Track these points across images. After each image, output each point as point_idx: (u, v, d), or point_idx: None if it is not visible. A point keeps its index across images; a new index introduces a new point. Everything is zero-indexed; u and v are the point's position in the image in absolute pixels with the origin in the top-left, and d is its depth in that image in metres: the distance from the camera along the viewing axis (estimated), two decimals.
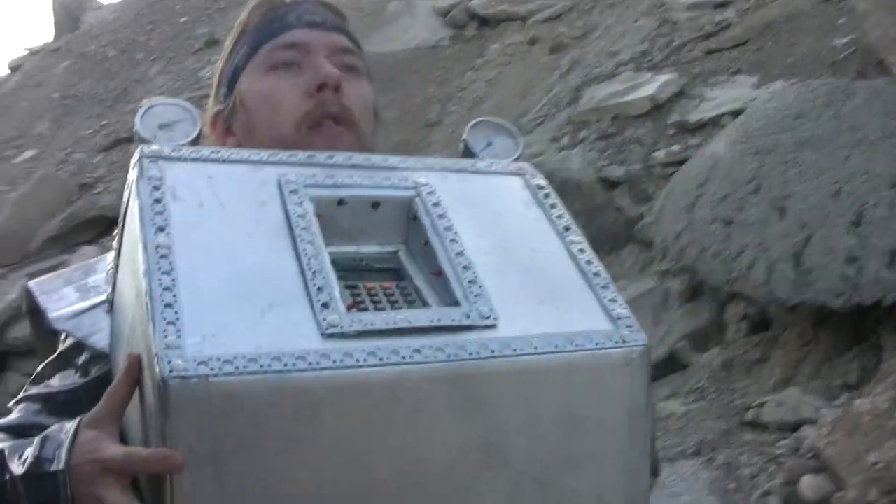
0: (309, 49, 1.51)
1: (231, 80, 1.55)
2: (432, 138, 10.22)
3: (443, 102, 10.91)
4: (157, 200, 1.16)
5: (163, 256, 1.10)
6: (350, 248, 1.25)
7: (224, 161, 1.24)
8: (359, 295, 1.18)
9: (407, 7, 12.91)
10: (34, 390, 1.32)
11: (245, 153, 1.27)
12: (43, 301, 1.33)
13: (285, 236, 1.17)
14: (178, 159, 1.22)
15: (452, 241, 1.22)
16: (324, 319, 1.07)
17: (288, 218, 1.18)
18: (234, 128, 1.52)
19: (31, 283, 1.36)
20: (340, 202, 1.25)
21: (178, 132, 1.27)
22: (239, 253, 1.13)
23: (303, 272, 1.13)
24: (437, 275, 1.21)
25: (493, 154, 1.41)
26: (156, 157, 1.21)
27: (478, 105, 10.23)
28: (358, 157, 1.31)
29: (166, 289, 1.07)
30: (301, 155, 1.29)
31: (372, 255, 1.26)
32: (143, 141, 1.25)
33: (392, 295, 1.19)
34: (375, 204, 1.27)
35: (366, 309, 1.14)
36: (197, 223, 1.15)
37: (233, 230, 1.16)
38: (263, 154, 1.27)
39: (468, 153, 1.41)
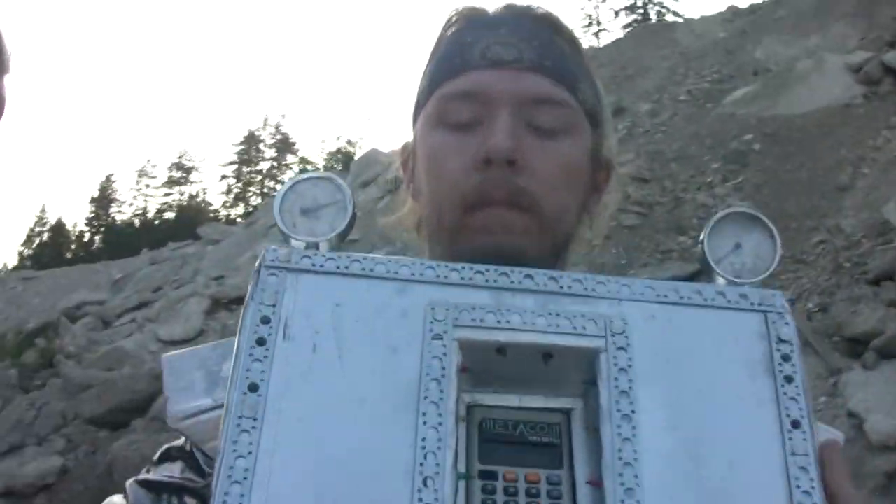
0: (489, 100, 1.13)
1: (415, 115, 1.23)
2: (843, 203, 9.43)
3: (855, 165, 9.98)
4: (261, 342, 0.93)
5: (244, 431, 0.89)
6: (508, 399, 0.97)
7: (363, 276, 0.97)
8: (492, 492, 0.91)
9: (816, 65, 11.89)
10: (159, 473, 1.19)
11: (392, 265, 0.98)
12: (169, 384, 1.15)
13: (411, 406, 0.90)
14: (307, 271, 0.97)
15: (627, 439, 0.90)
16: None
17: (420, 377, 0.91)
18: (414, 181, 1.23)
19: (166, 358, 1.18)
20: (500, 350, 0.95)
21: (322, 220, 1.01)
22: (341, 429, 0.89)
23: (414, 467, 0.88)
24: (595, 485, 0.90)
25: (739, 264, 1.02)
26: (278, 268, 0.97)
27: (894, 168, 9.09)
28: (540, 277, 0.98)
29: (235, 481, 0.87)
30: (463, 270, 0.98)
31: (534, 414, 0.97)
32: (282, 233, 1.01)
33: (536, 496, 0.91)
34: (547, 355, 0.96)
35: None
36: (303, 380, 0.91)
37: (345, 392, 0.91)
38: (415, 267, 0.97)
39: (705, 259, 1.03)
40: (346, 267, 0.97)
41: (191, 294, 18.57)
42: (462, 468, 0.91)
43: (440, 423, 0.89)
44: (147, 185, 68.42)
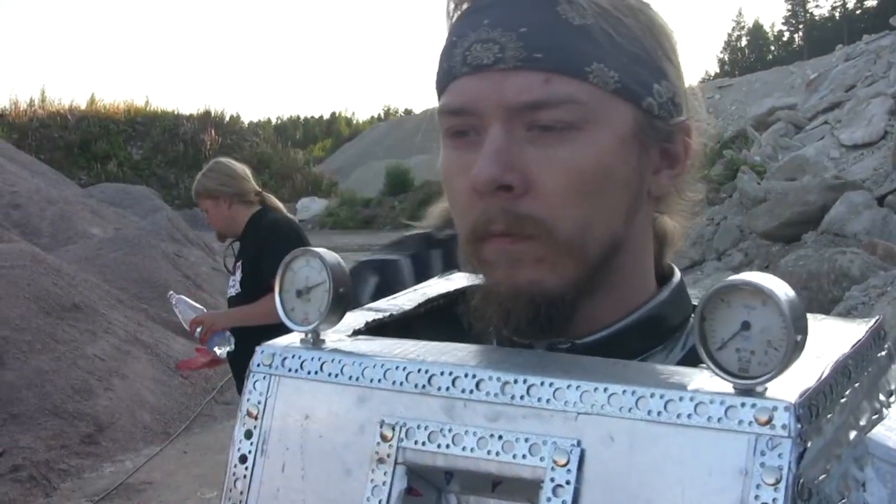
0: (479, 114, 0.94)
1: None
2: None
3: None
4: (243, 459, 0.93)
5: None
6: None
7: (330, 382, 0.91)
8: None
9: None
10: None
11: (357, 366, 0.90)
12: None
13: None
14: (287, 375, 0.93)
15: None
16: None
17: None
18: None
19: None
20: (447, 475, 0.84)
21: (314, 303, 0.95)
22: None
23: None
24: None
25: (746, 353, 0.75)
26: (266, 369, 0.95)
27: None
28: (493, 384, 0.82)
29: None
30: (420, 374, 0.86)
31: None
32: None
33: None
34: (496, 483, 0.82)
35: None
36: (271, 501, 0.91)
37: None
38: (376, 369, 0.88)
39: (701, 343, 0.77)
40: (317, 371, 0.92)
41: (875, 94, 17.62)
42: None
43: None
44: None
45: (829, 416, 0.77)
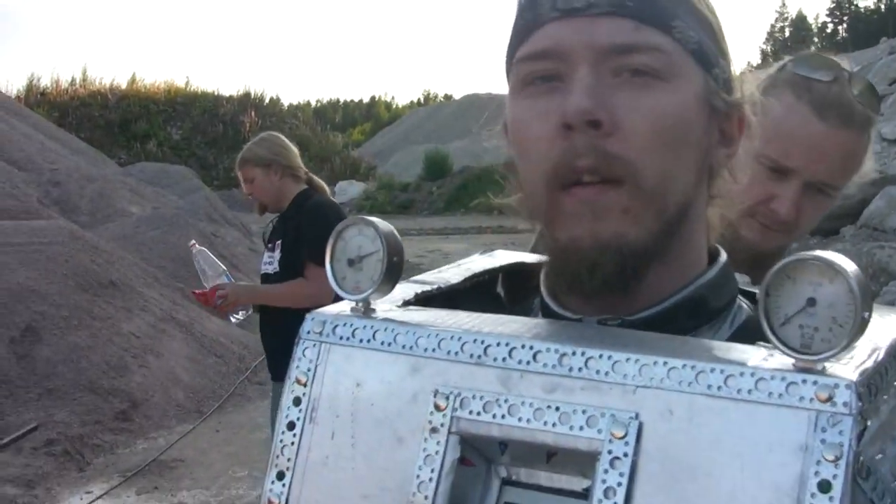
0: (566, 57, 0.94)
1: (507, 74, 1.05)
2: None
3: None
4: (291, 426, 0.93)
5: None
6: (538, 476, 0.85)
7: (383, 350, 0.90)
8: None
9: None
10: None
11: (411, 335, 0.89)
12: None
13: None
14: (339, 343, 0.93)
15: None
16: None
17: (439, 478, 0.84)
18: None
19: None
20: (501, 446, 0.83)
21: (366, 272, 0.95)
22: None
23: None
24: None
25: (810, 330, 0.74)
26: (316, 337, 0.94)
27: None
28: (550, 356, 0.81)
29: None
30: (475, 344, 0.85)
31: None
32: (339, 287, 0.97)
33: None
34: (551, 454, 0.81)
35: None
36: (321, 469, 0.91)
37: (353, 486, 0.88)
38: (432, 339, 0.88)
39: (765, 319, 0.75)
40: (370, 340, 0.91)
41: None
42: None
43: None
44: None
45: (885, 396, 0.76)
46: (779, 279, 0.75)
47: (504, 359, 0.83)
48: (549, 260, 0.99)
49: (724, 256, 1.04)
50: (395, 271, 0.94)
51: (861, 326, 0.72)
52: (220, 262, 4.87)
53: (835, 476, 0.69)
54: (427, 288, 1.04)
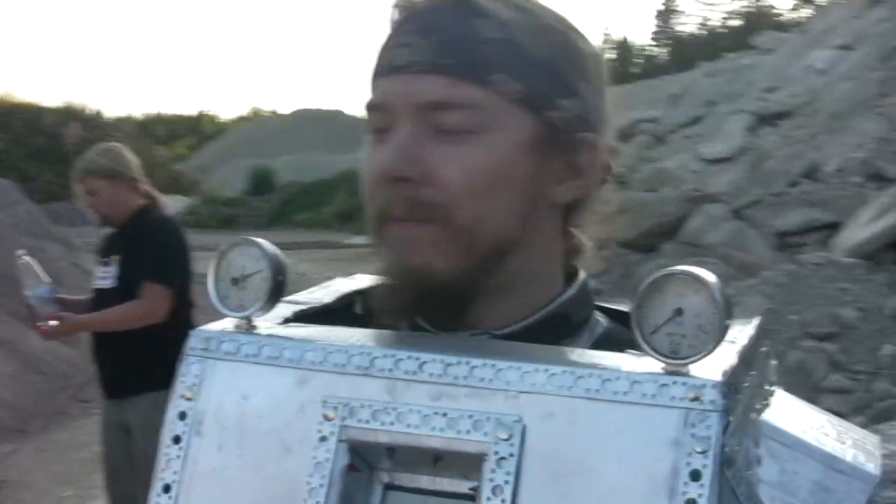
0: (392, 110, 1.02)
1: None
2: None
3: None
4: (177, 440, 0.94)
5: None
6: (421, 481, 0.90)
7: (269, 364, 0.93)
8: None
9: None
10: None
11: (298, 349, 0.93)
12: None
13: None
14: (224, 358, 0.95)
15: None
16: None
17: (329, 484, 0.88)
18: None
19: None
20: (389, 451, 0.87)
21: (249, 291, 0.98)
22: None
23: None
24: None
25: (678, 337, 0.81)
26: (202, 353, 0.97)
27: None
28: (436, 365, 0.86)
29: None
30: (361, 356, 0.90)
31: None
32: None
33: None
34: (437, 458, 0.86)
35: None
36: (208, 480, 0.93)
37: (242, 496, 0.91)
38: (318, 352, 0.92)
39: (636, 328, 0.83)
40: (256, 354, 0.94)
41: (735, 110, 18.23)
42: None
43: None
44: None
45: (739, 396, 0.84)
46: (649, 292, 0.82)
47: (391, 369, 0.88)
48: (385, 284, 1.05)
49: (581, 277, 1.11)
50: (278, 290, 0.97)
51: (723, 332, 0.79)
52: (48, 277, 4.67)
53: (704, 466, 0.76)
54: (303, 307, 1.08)
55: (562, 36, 1.05)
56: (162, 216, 4.65)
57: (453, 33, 1.00)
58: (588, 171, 1.06)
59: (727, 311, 0.80)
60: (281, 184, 38.00)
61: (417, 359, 0.87)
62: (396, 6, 1.06)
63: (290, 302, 1.10)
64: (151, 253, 4.37)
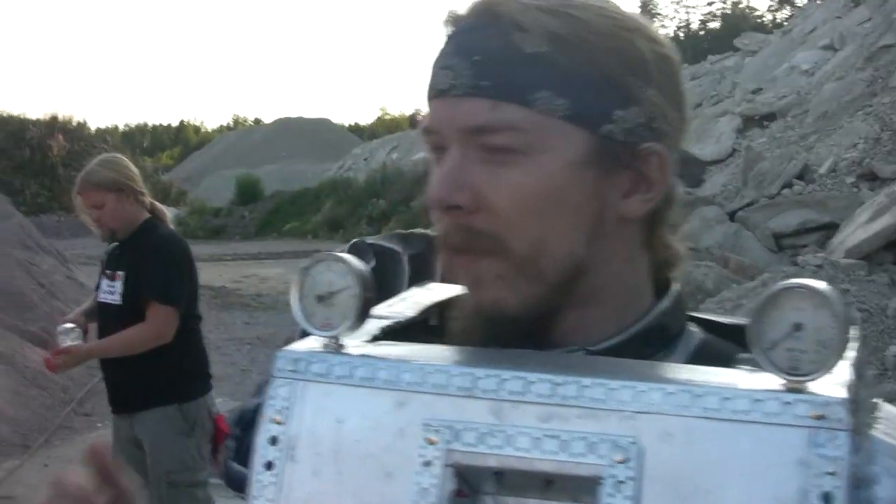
0: (442, 135, 1.01)
1: None
2: None
3: None
4: (269, 466, 0.91)
5: None
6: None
7: (364, 386, 0.90)
8: None
9: None
10: None
11: (394, 369, 0.90)
12: None
13: None
14: (314, 380, 0.92)
15: None
16: None
17: None
18: None
19: None
20: (496, 475, 0.85)
21: (336, 308, 0.94)
22: None
23: None
24: None
25: (797, 353, 0.79)
26: (290, 375, 0.93)
27: None
28: (544, 385, 0.84)
29: None
30: (464, 377, 0.87)
31: None
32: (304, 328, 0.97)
33: None
34: (548, 482, 0.83)
35: None
36: (312, 503, 0.89)
37: None
38: (417, 373, 0.89)
39: (755, 345, 0.81)
40: (349, 376, 0.91)
41: (723, 112, 18.28)
42: None
43: None
44: None
45: (861, 412, 0.82)
46: (765, 307, 0.80)
47: (495, 390, 0.85)
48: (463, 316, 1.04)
49: (674, 288, 1.08)
50: (367, 308, 0.95)
51: (844, 347, 0.78)
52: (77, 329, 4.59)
53: (836, 487, 0.74)
54: (389, 323, 1.05)
55: (615, 41, 0.99)
56: (168, 231, 4.61)
57: (492, 52, 0.97)
58: (659, 182, 1.01)
59: (848, 325, 0.78)
60: (267, 193, 37.87)
61: (523, 378, 0.85)
62: (445, 22, 1.04)
63: (375, 317, 1.07)
64: (158, 271, 4.34)
